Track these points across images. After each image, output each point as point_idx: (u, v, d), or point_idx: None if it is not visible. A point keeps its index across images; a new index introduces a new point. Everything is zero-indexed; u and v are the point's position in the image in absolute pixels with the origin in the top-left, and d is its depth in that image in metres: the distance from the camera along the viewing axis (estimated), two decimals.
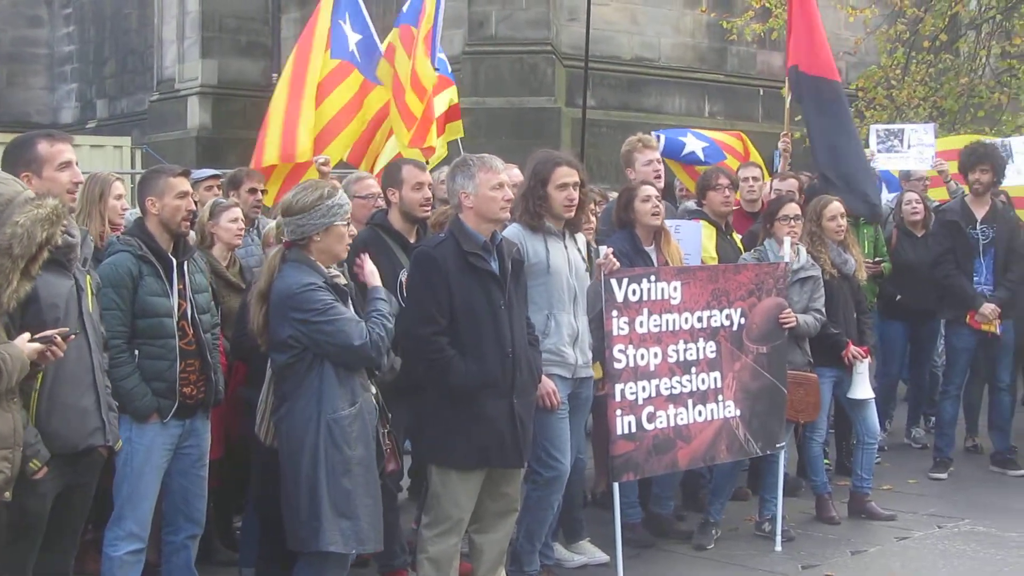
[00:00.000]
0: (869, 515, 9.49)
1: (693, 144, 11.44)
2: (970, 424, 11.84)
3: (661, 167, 9.81)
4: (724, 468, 8.82)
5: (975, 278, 10.80)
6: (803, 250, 9.14)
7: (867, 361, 9.53)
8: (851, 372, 9.35)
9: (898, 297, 11.38)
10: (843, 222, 9.50)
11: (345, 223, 6.41)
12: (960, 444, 11.63)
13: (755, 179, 10.67)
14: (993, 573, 8.25)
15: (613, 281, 7.62)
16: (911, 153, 12.26)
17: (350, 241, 6.60)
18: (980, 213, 10.84)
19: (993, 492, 10.39)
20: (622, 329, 7.67)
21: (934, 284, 11.00)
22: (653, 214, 8.57)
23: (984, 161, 10.81)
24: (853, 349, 9.29)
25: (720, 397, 8.24)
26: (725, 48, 20.86)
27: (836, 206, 9.49)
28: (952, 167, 11.81)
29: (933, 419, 11.86)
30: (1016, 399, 11.59)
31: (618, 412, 7.66)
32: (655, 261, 8.55)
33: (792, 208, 9.14)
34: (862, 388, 9.42)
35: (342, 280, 6.47)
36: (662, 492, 8.99)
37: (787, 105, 11.52)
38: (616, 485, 7.81)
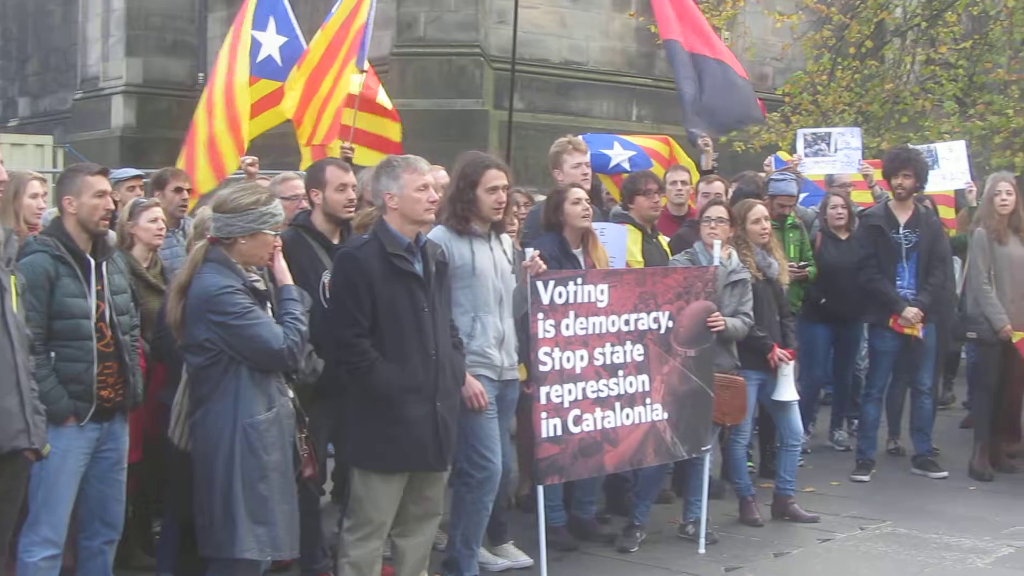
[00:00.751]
0: (792, 517, 9.53)
1: (619, 156, 11.42)
2: (892, 427, 11.93)
3: (589, 170, 9.80)
4: (649, 471, 8.81)
5: (898, 282, 10.87)
6: (734, 254, 9.17)
7: (792, 364, 9.57)
8: (776, 375, 9.39)
9: (822, 300, 11.44)
10: (767, 225, 9.54)
11: (274, 233, 6.35)
12: (882, 446, 11.70)
13: (683, 183, 10.68)
14: (914, 574, 8.30)
15: (539, 283, 7.60)
16: (838, 157, 12.34)
17: (273, 251, 6.52)
18: (903, 218, 10.92)
19: (914, 494, 10.47)
20: (548, 332, 7.65)
21: (858, 288, 11.06)
22: (583, 216, 8.55)
23: (907, 166, 10.89)
24: (779, 352, 9.33)
25: (648, 400, 8.23)
26: (653, 52, 20.92)
27: (760, 209, 9.54)
28: (876, 173, 11.92)
29: (856, 422, 11.93)
30: (937, 402, 11.66)
31: (543, 415, 7.63)
32: (583, 264, 8.53)
33: (715, 210, 9.17)
34: (787, 390, 9.46)
35: (261, 284, 6.40)
36: (584, 496, 8.98)
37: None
38: (540, 488, 7.79)
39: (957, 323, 11.24)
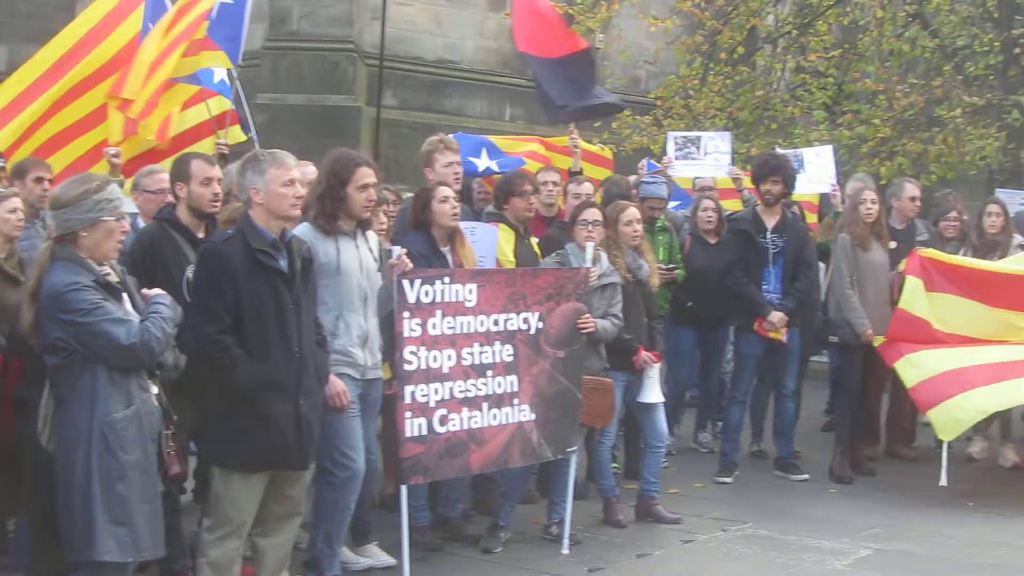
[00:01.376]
0: (655, 518, 9.58)
1: (485, 164, 11.42)
2: (755, 429, 12.07)
3: (461, 170, 9.79)
4: (514, 472, 8.83)
5: (764, 286, 10.98)
6: (604, 256, 9.20)
7: (658, 366, 9.63)
8: (642, 376, 9.44)
9: (689, 304, 11.53)
10: (639, 228, 9.58)
11: (115, 218, 6.20)
12: (745, 449, 11.83)
13: (554, 183, 10.69)
14: (774, 575, 8.40)
15: (405, 282, 7.56)
16: (707, 160, 12.48)
17: (123, 237, 6.39)
18: (771, 223, 11.04)
19: (776, 496, 10.60)
20: (414, 331, 7.61)
21: (724, 292, 11.16)
22: (451, 215, 8.54)
23: (775, 172, 11.01)
24: (644, 355, 9.38)
25: (516, 401, 8.22)
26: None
27: (633, 212, 9.58)
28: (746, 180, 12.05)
29: (720, 424, 12.03)
30: (800, 406, 11.82)
31: (408, 414, 7.59)
32: (450, 263, 8.51)
33: (592, 213, 9.19)
34: (652, 392, 9.52)
35: (114, 277, 6.27)
36: (451, 494, 8.95)
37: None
38: (404, 488, 7.76)
39: (820, 328, 11.38)
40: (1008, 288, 11.07)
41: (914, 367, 10.74)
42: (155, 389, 6.34)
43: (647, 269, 9.60)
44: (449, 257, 8.56)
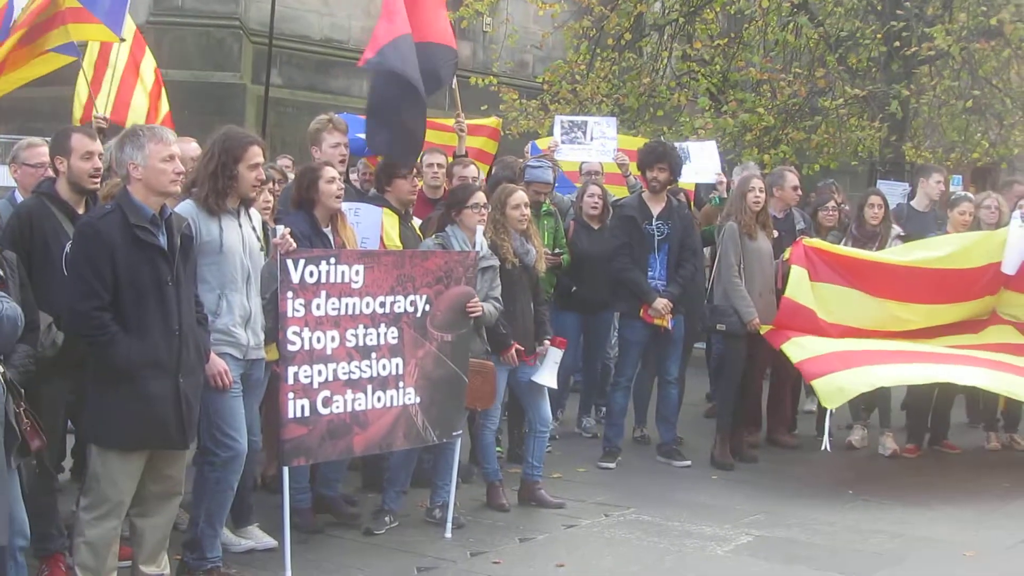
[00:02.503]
0: (539, 503, 9.57)
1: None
2: (639, 415, 12.09)
3: (347, 152, 9.68)
4: (399, 456, 8.78)
5: (650, 273, 11.00)
6: (484, 242, 9.14)
7: (561, 351, 9.61)
8: (535, 359, 9.44)
9: (573, 289, 11.51)
10: (527, 212, 9.53)
11: None
12: (629, 434, 11.85)
13: (439, 165, 10.63)
14: (655, 560, 8.41)
15: (289, 262, 7.44)
16: (593, 145, 12.47)
17: None
18: (656, 209, 11.06)
19: (658, 482, 10.63)
20: (297, 311, 7.49)
21: (609, 277, 11.17)
22: (336, 196, 8.45)
23: (662, 160, 11.03)
24: (549, 343, 9.45)
25: (401, 384, 8.15)
26: None
27: (521, 195, 9.52)
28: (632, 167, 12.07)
29: (604, 409, 12.05)
30: (683, 392, 11.87)
31: (290, 395, 7.49)
32: (332, 243, 8.43)
33: (481, 196, 9.16)
34: (548, 375, 9.51)
35: None
36: (330, 473, 8.86)
37: (454, 87, 11.48)
38: (285, 469, 7.65)
39: (705, 315, 11.43)
40: (891, 279, 11.23)
41: (800, 348, 10.83)
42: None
43: (534, 254, 9.56)
44: (331, 237, 8.48)
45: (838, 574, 8.23)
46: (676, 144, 12.86)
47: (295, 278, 7.47)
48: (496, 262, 9.15)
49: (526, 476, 9.69)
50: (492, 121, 12.85)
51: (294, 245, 7.48)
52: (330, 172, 8.50)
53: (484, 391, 8.97)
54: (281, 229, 7.49)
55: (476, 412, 9.32)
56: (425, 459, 9.23)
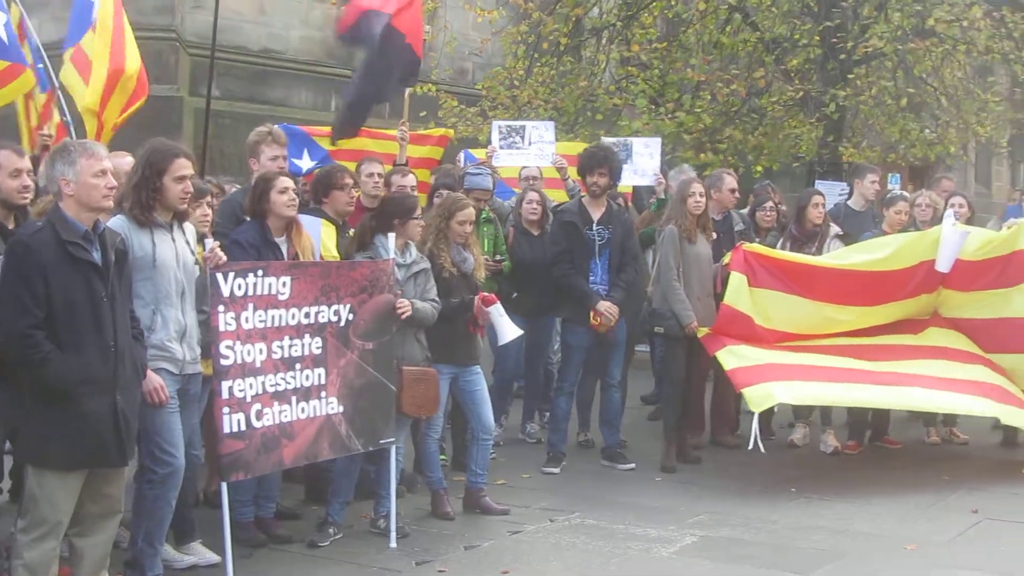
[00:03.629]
0: (483, 510, 9.57)
1: (309, 164, 11.27)
2: (582, 420, 12.12)
3: (286, 164, 9.66)
4: (341, 467, 8.78)
5: (591, 278, 11.02)
6: (412, 246, 9.15)
7: (498, 306, 9.59)
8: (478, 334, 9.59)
9: (515, 295, 11.51)
10: (471, 228, 9.56)
11: None
12: (573, 439, 11.87)
13: (379, 175, 10.61)
14: (602, 564, 8.43)
15: (219, 275, 7.42)
16: (531, 150, 12.49)
17: None
18: (597, 214, 11.09)
19: (603, 486, 10.65)
20: (229, 324, 7.47)
21: (550, 283, 11.19)
22: (288, 206, 8.44)
23: (602, 165, 11.06)
24: (480, 299, 9.44)
25: (323, 393, 8.14)
26: None
27: (470, 212, 9.54)
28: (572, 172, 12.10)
29: (547, 415, 12.06)
30: (626, 395, 11.90)
31: (225, 410, 7.45)
32: (285, 253, 8.44)
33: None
34: (507, 331, 9.58)
35: None
36: (262, 492, 8.80)
37: (406, 96, 11.51)
38: (224, 485, 7.62)
39: (645, 318, 11.47)
40: (830, 282, 11.32)
41: (734, 355, 10.90)
42: None
43: (472, 262, 9.57)
44: (284, 247, 8.48)
45: (781, 572, 8.28)
46: (620, 140, 12.94)
47: (225, 291, 7.44)
48: (427, 265, 9.16)
49: (470, 484, 9.69)
50: (442, 130, 12.88)
51: (223, 259, 7.46)
52: (284, 182, 8.50)
53: (427, 398, 8.97)
54: (210, 243, 7.48)
55: (420, 421, 9.31)
56: (370, 470, 9.22)
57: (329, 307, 8.15)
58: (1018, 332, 11.33)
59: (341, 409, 8.25)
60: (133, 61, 10.84)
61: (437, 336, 9.20)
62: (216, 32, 12.45)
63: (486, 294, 9.49)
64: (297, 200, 8.60)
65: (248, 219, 8.60)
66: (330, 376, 8.17)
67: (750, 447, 10.40)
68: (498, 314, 9.51)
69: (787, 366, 10.81)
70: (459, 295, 9.38)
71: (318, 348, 8.09)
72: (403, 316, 8.66)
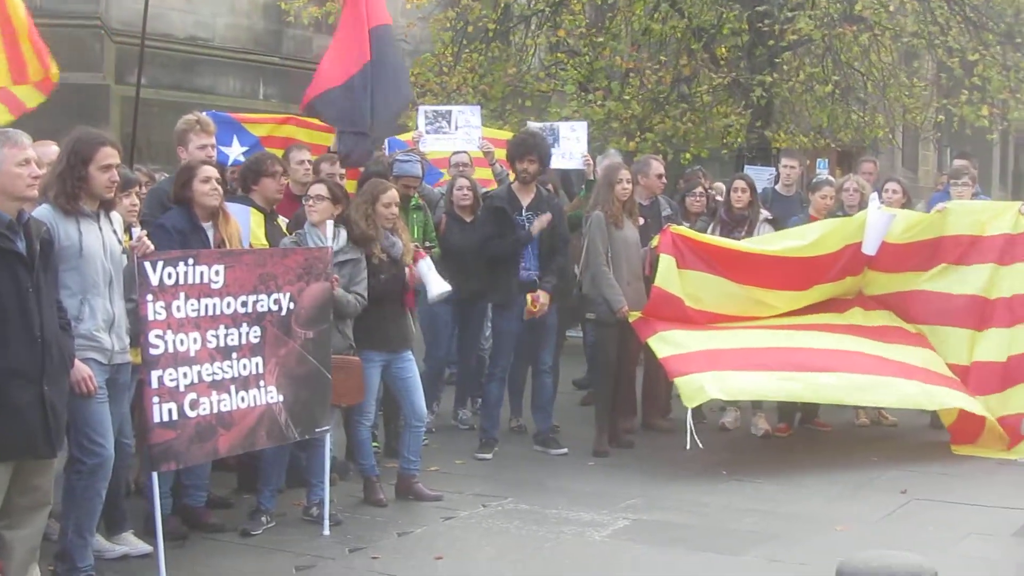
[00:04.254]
0: (416, 496, 9.57)
1: (238, 152, 11.20)
2: (514, 405, 12.16)
3: (215, 153, 9.59)
4: (270, 455, 8.76)
5: (522, 264, 11.05)
6: (343, 233, 9.13)
7: (426, 259, 9.68)
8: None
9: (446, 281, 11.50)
10: (396, 210, 9.54)
11: None
12: (505, 425, 11.89)
13: (309, 162, 10.58)
14: (535, 549, 8.45)
15: (147, 264, 7.35)
16: (458, 134, 12.47)
17: None
18: (526, 200, 11.11)
19: (536, 471, 10.68)
20: (159, 314, 7.41)
21: (482, 268, 11.19)
22: (211, 194, 8.39)
23: (531, 152, 11.09)
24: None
25: (262, 383, 8.10)
26: (281, 31, 20.73)
27: (393, 194, 9.51)
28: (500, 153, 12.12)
29: (480, 401, 12.07)
30: (558, 381, 11.93)
31: (155, 399, 7.39)
32: (211, 239, 8.39)
33: (315, 188, 9.22)
34: (436, 284, 9.68)
35: None
36: (190, 481, 8.74)
37: None
38: (154, 474, 7.57)
39: (575, 304, 11.51)
40: (756, 267, 11.41)
41: (666, 343, 10.96)
42: None
43: (400, 247, 9.55)
44: (210, 233, 8.43)
45: (714, 554, 8.34)
46: (546, 124, 12.96)
47: (154, 280, 7.38)
48: (357, 255, 9.15)
49: (402, 470, 9.68)
50: None
51: (151, 247, 7.40)
52: (206, 171, 8.45)
53: (350, 386, 8.97)
54: (137, 231, 7.42)
55: (350, 409, 9.30)
56: (302, 457, 9.19)
57: (268, 296, 8.12)
58: (943, 305, 11.51)
59: (281, 398, 8.21)
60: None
61: (368, 322, 9.21)
62: (146, 19, 12.31)
63: (417, 248, 9.55)
64: (220, 189, 8.53)
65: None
66: (268, 365, 8.13)
67: (687, 447, 10.40)
68: (427, 268, 9.58)
69: (717, 352, 10.87)
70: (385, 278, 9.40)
71: (256, 337, 8.05)
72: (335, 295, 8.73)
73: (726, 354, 10.88)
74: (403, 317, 9.63)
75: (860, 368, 10.97)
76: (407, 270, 9.47)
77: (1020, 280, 11.41)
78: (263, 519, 8.74)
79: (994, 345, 11.31)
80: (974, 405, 10.94)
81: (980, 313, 11.45)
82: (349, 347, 9.08)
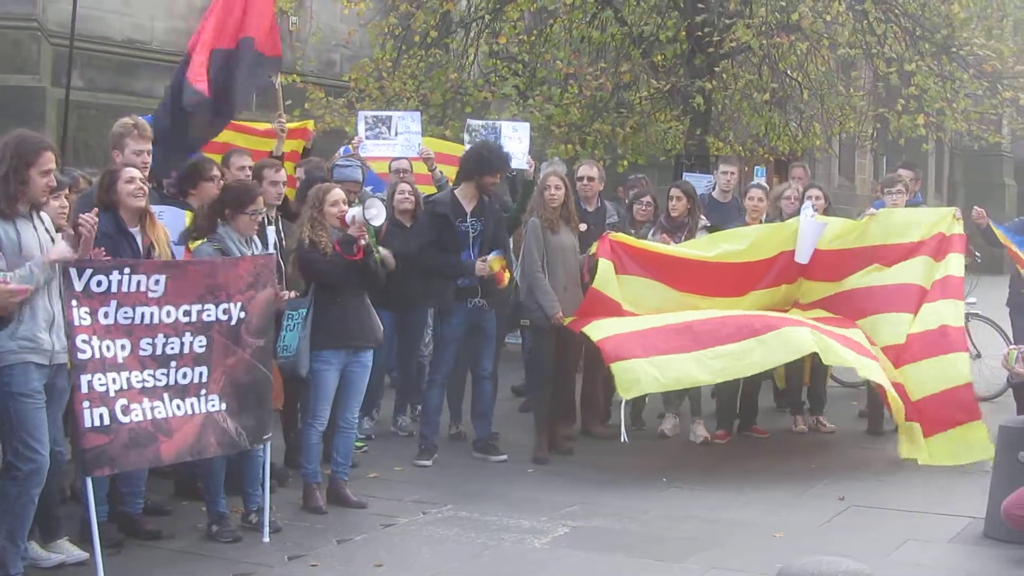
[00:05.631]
0: (343, 502, 9.54)
1: None
2: (454, 412, 12.13)
3: (151, 158, 9.51)
4: (209, 465, 8.71)
5: None
6: (256, 238, 9.11)
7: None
8: None
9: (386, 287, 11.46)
10: (344, 208, 9.52)
11: None
12: (445, 432, 11.87)
13: (250, 168, 10.48)
14: (474, 556, 8.45)
15: (72, 271, 7.33)
16: (398, 140, 12.45)
17: None
18: (470, 206, 11.09)
19: (475, 478, 10.67)
20: (84, 319, 7.37)
21: (422, 274, 11.16)
22: (134, 196, 8.31)
23: (498, 170, 11.17)
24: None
25: (203, 392, 8.06)
26: None
27: (338, 193, 9.52)
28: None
29: (419, 407, 12.03)
30: (497, 387, 11.92)
31: (85, 404, 7.35)
32: (140, 242, 8.33)
33: (261, 203, 9.14)
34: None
35: None
36: (128, 490, 8.65)
37: (278, 88, 11.42)
38: (88, 481, 7.51)
39: (512, 310, 11.52)
40: (693, 273, 11.49)
41: (600, 329, 10.99)
42: None
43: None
44: (138, 237, 8.36)
45: (653, 561, 8.38)
46: (488, 123, 12.99)
47: (78, 287, 7.35)
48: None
49: (332, 475, 9.67)
50: (303, 122, 12.75)
51: (73, 255, 7.34)
52: (129, 173, 8.38)
53: (275, 388, 8.98)
54: (59, 237, 7.39)
55: (289, 414, 9.26)
56: (237, 463, 9.12)
57: (217, 306, 8.10)
58: (878, 295, 11.59)
59: (224, 407, 8.18)
60: None
61: (326, 319, 9.24)
62: (75, 21, 12.21)
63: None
64: (145, 190, 8.46)
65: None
66: (213, 374, 8.10)
67: (622, 439, 10.43)
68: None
69: (646, 332, 10.88)
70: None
71: (201, 346, 8.03)
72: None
73: (654, 333, 10.89)
74: (364, 309, 9.59)
75: (799, 325, 11.04)
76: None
77: (954, 265, 11.56)
78: (229, 523, 8.72)
79: (926, 317, 11.41)
80: (878, 374, 10.93)
81: (919, 299, 11.54)
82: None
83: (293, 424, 10.45)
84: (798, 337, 10.86)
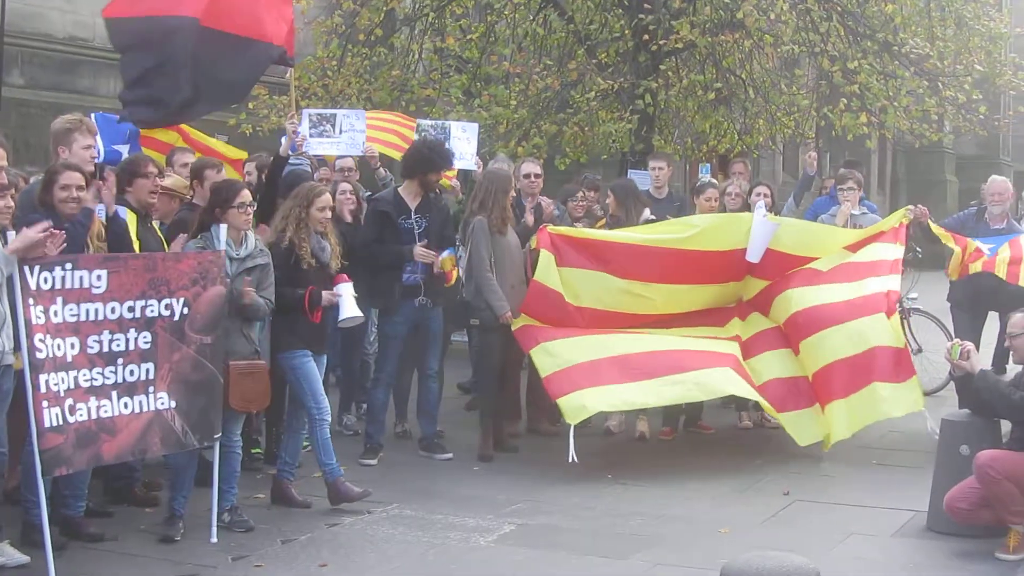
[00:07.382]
0: (287, 501, 9.53)
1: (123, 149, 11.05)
2: (399, 411, 12.10)
3: (97, 154, 9.45)
4: (179, 460, 8.70)
5: (408, 267, 10.98)
6: (251, 236, 9.07)
7: (350, 284, 9.66)
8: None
9: None
10: (329, 213, 9.51)
11: None
12: (390, 430, 11.84)
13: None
14: (420, 555, 8.45)
15: (27, 268, 7.27)
16: (343, 139, 12.39)
17: None
18: (414, 204, 11.07)
19: (421, 476, 10.66)
20: (39, 318, 7.32)
21: (367, 273, 11.12)
22: (67, 202, 8.21)
23: (441, 167, 11.26)
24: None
25: (151, 389, 8.01)
26: None
27: (327, 198, 9.56)
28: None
29: (364, 406, 12.00)
30: (443, 385, 11.90)
31: (44, 404, 7.31)
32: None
33: (247, 195, 9.11)
34: (350, 308, 9.63)
35: None
36: (70, 492, 8.54)
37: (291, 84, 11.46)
38: (41, 482, 7.48)
39: (459, 309, 11.52)
40: (634, 259, 11.50)
41: (549, 355, 11.01)
42: None
43: (329, 251, 9.57)
44: None
45: (598, 557, 8.41)
46: (437, 122, 13.01)
47: (32, 284, 7.31)
48: (265, 260, 9.08)
49: (277, 474, 9.67)
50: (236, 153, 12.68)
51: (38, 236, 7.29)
52: (67, 178, 8.24)
53: (257, 392, 8.94)
54: (12, 235, 7.32)
55: (256, 415, 9.26)
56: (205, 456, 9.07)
57: (159, 301, 8.05)
58: (821, 317, 11.53)
59: (173, 404, 8.15)
60: None
61: (297, 325, 9.33)
62: (5, 15, 12.05)
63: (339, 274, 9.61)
64: (79, 197, 8.32)
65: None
66: (160, 371, 8.06)
67: (571, 459, 10.39)
68: (347, 292, 9.58)
69: (597, 365, 10.90)
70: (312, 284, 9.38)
71: (146, 343, 7.99)
72: (246, 301, 8.68)
73: (606, 364, 10.92)
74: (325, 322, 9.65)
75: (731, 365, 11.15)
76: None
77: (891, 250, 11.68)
78: (179, 524, 8.68)
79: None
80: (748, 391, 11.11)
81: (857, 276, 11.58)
82: (255, 352, 9.04)
83: (276, 422, 10.47)
84: (717, 380, 11.07)
